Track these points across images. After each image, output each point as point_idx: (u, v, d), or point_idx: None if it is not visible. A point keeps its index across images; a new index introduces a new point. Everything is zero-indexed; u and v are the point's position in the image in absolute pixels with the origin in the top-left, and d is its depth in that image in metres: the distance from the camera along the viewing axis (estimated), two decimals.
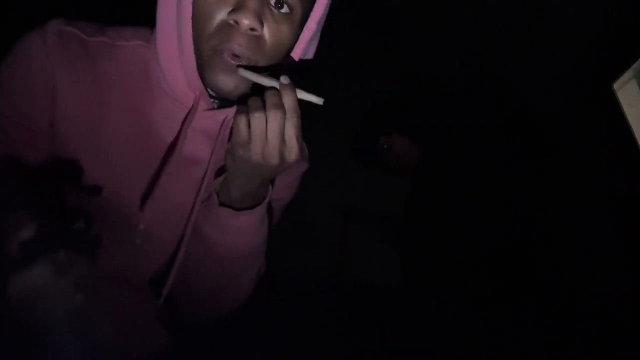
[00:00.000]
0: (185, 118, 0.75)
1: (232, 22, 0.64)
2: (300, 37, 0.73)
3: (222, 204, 0.73)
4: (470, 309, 2.00)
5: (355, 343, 1.91)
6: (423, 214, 2.12)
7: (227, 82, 0.67)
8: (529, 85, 2.07)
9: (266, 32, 0.67)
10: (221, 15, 0.65)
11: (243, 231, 0.76)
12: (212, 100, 0.75)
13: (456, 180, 1.98)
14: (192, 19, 0.66)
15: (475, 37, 2.16)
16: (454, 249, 1.96)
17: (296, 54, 0.74)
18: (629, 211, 1.80)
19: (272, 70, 0.73)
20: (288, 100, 0.63)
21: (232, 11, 0.64)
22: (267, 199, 0.75)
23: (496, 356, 1.87)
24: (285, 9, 0.67)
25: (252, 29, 0.64)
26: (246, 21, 0.63)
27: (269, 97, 0.62)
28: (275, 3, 0.67)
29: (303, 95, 0.65)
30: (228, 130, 0.77)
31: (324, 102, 0.64)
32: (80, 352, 0.83)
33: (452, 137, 2.05)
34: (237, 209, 0.73)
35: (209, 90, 0.73)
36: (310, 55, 0.80)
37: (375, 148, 2.07)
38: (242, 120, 0.63)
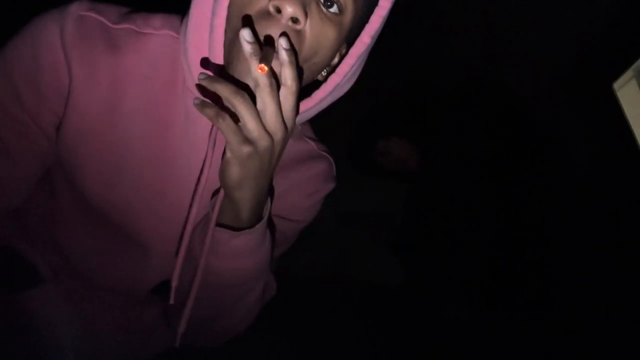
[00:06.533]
0: (212, 127, 0.65)
1: (272, 9, 0.55)
2: (351, 51, 0.63)
3: (219, 225, 0.66)
4: (469, 310, 2.00)
5: (355, 344, 1.91)
6: (422, 217, 2.12)
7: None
8: (529, 85, 2.07)
9: (308, 28, 0.57)
10: (262, 1, 0.56)
11: (240, 254, 0.67)
12: None
13: (456, 181, 1.98)
14: (228, 8, 0.58)
15: (475, 38, 2.15)
16: (453, 250, 1.96)
17: (342, 71, 0.63)
18: (629, 211, 1.79)
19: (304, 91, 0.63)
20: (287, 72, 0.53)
21: None
22: (268, 212, 0.67)
23: (496, 356, 1.87)
24: (334, 9, 0.59)
25: (295, 20, 0.55)
26: (290, 8, 0.54)
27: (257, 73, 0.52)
28: (324, 0, 0.58)
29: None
30: None
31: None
32: (82, 353, 0.82)
33: (451, 140, 2.05)
34: (236, 229, 0.65)
35: None
36: (351, 82, 0.68)
37: (373, 152, 2.05)
38: (228, 124, 0.54)
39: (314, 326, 1.82)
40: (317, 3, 0.58)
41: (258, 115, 0.54)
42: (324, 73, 0.65)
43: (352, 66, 0.63)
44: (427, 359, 1.90)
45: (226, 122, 0.54)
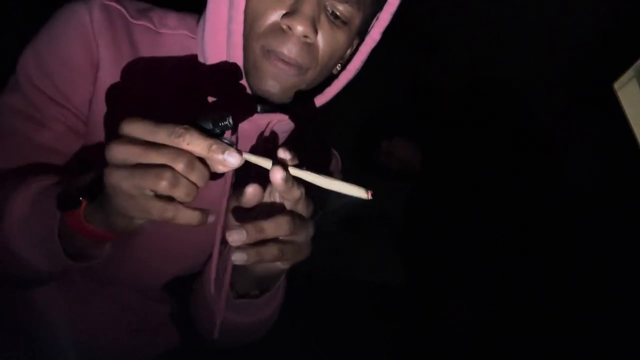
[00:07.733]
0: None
1: (285, 27, 0.59)
2: (362, 47, 0.67)
3: (242, 296, 0.67)
4: (471, 310, 2.00)
5: (356, 343, 1.91)
6: (425, 217, 2.12)
7: (274, 87, 0.62)
8: (530, 85, 2.07)
9: (320, 39, 0.61)
10: (274, 16, 0.59)
11: (257, 310, 0.70)
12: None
13: (458, 181, 1.98)
14: (244, 13, 0.60)
15: (476, 38, 2.16)
16: (455, 251, 1.96)
17: (354, 67, 0.67)
18: (629, 211, 1.80)
19: (322, 85, 0.67)
20: (292, 194, 0.51)
21: (287, 15, 0.58)
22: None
23: (497, 355, 1.87)
24: (342, 19, 0.62)
25: (305, 36, 0.59)
26: (300, 28, 0.58)
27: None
28: (332, 12, 0.61)
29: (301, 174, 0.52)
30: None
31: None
32: (88, 353, 0.82)
33: (453, 140, 2.05)
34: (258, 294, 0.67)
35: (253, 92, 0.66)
36: (358, 70, 0.71)
37: (376, 153, 2.06)
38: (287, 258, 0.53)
39: (315, 325, 1.83)
40: (326, 13, 0.61)
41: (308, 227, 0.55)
42: (338, 67, 0.69)
43: (364, 61, 0.68)
44: (428, 357, 1.91)
45: (287, 256, 0.53)
